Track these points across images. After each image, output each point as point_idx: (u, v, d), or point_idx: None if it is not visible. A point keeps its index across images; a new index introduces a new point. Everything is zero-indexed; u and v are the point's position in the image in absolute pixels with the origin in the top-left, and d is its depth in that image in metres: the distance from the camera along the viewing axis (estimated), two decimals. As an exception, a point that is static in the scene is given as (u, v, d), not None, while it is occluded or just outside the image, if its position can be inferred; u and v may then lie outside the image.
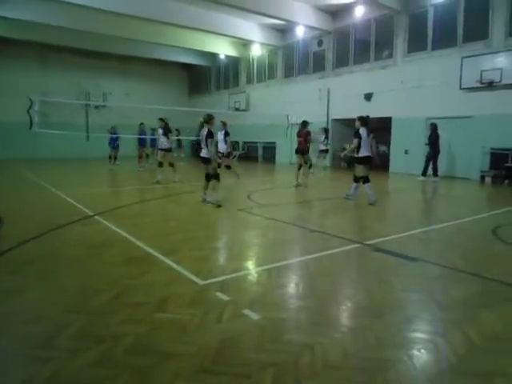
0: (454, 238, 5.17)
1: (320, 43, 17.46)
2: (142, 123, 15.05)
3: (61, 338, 2.41)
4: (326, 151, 14.44)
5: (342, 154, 8.97)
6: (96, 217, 6.06)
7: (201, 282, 3.35)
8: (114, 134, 14.98)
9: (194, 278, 3.45)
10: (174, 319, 2.67)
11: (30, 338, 2.45)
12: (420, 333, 2.59)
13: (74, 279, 3.48)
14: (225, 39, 19.95)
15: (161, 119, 10.70)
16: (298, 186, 10.16)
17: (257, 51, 20.77)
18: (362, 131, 7.49)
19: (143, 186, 10.15)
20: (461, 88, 12.20)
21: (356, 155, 7.64)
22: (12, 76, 20.07)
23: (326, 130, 14.47)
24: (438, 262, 4.05)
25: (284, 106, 17.75)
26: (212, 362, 2.18)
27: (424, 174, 12.02)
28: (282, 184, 10.61)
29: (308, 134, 10.58)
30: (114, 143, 15.08)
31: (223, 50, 21.23)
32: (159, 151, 10.67)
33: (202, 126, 7.26)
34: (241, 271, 3.74)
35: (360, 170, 7.65)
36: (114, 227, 5.37)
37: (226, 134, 10.21)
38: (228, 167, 10.61)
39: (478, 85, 11.71)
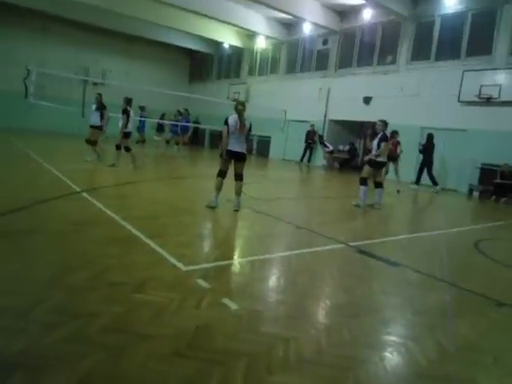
0: (437, 247, 5.24)
1: (325, 42, 17.42)
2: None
3: (35, 312, 2.38)
4: (331, 152, 14.61)
5: (367, 159, 7.67)
6: (83, 193, 6.00)
7: (183, 268, 3.34)
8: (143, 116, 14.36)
9: (176, 262, 3.45)
10: (152, 301, 2.67)
11: (4, 309, 2.42)
12: (394, 336, 2.63)
13: (54, 255, 3.44)
14: (230, 28, 19.79)
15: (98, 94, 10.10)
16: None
17: (261, 43, 20.65)
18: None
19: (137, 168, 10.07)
20: (459, 101, 12.31)
21: (378, 159, 7.45)
22: (13, 44, 19.71)
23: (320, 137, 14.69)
24: (419, 268, 4.11)
25: (283, 102, 17.72)
26: (186, 347, 2.18)
27: (417, 182, 12.13)
28: (274, 178, 10.62)
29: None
30: (142, 126, 14.46)
31: (228, 38, 21.08)
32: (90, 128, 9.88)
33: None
34: (224, 260, 3.75)
35: (370, 173, 7.55)
36: (100, 205, 5.32)
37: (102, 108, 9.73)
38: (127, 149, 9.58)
39: (476, 99, 11.83)
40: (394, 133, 10.43)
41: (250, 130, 6.05)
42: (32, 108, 16.45)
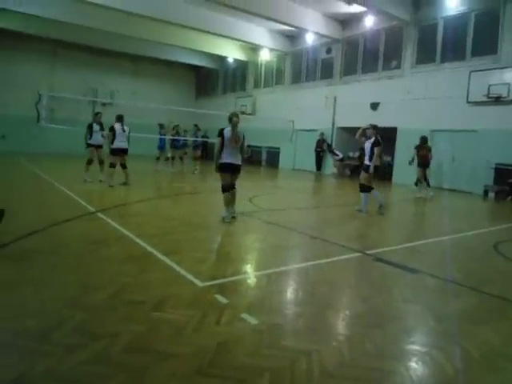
0: (455, 251, 5.15)
1: (329, 51, 17.53)
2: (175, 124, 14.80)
3: (57, 334, 2.40)
4: (342, 160, 14.56)
5: (369, 165, 7.53)
6: (98, 213, 6.07)
7: (200, 284, 3.34)
8: (178, 134, 14.47)
9: (193, 279, 3.45)
10: (172, 319, 2.67)
11: (26, 332, 2.44)
12: (417, 344, 2.58)
13: (73, 275, 3.48)
14: (234, 43, 20.07)
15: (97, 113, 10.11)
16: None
17: (265, 56, 20.87)
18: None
19: (148, 186, 10.17)
20: (467, 101, 12.21)
21: (373, 164, 7.38)
22: (23, 69, 20.27)
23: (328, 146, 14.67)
24: (438, 274, 4.04)
25: (290, 112, 17.81)
26: (208, 365, 2.17)
27: (428, 185, 11.96)
28: (284, 188, 10.60)
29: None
30: (162, 144, 14.57)
31: (232, 53, 21.35)
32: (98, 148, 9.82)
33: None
34: (240, 275, 3.74)
35: (368, 179, 7.48)
36: (115, 224, 5.38)
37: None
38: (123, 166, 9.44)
39: (485, 99, 11.72)
40: (424, 139, 10.60)
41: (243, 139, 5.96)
42: (43, 131, 16.81)
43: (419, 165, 10.65)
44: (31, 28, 17.94)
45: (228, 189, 5.90)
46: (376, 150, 7.32)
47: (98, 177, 9.60)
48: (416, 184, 11.66)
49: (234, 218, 6.06)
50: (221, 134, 5.78)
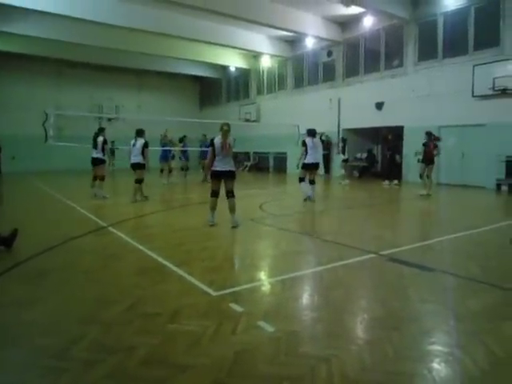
0: (471, 247, 5.06)
1: (330, 53, 17.55)
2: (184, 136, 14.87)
3: (75, 350, 2.40)
4: (346, 161, 14.44)
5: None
6: (109, 228, 6.10)
7: (214, 293, 3.32)
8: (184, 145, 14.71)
9: (206, 288, 3.43)
10: (188, 331, 2.65)
11: (45, 349, 2.44)
12: (439, 345, 2.51)
13: (88, 290, 3.49)
14: (235, 51, 20.23)
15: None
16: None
17: (266, 62, 20.97)
18: (308, 140, 8.70)
19: (154, 198, 10.22)
20: (473, 96, 12.09)
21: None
22: (29, 90, 20.65)
23: (343, 140, 14.53)
24: (455, 272, 3.96)
25: (295, 117, 17.78)
26: (227, 375, 2.14)
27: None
28: (293, 193, 10.56)
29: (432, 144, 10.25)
30: (185, 155, 14.80)
31: (233, 62, 21.51)
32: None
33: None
34: (254, 282, 3.71)
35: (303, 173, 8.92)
36: (127, 238, 5.40)
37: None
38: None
39: (491, 92, 11.59)
40: (429, 134, 10.37)
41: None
42: (51, 149, 17.01)
43: (423, 161, 10.40)
44: (35, 49, 18.29)
45: (215, 194, 6.13)
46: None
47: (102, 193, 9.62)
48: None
49: (234, 227, 6.05)
50: (211, 143, 6.02)
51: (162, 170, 14.14)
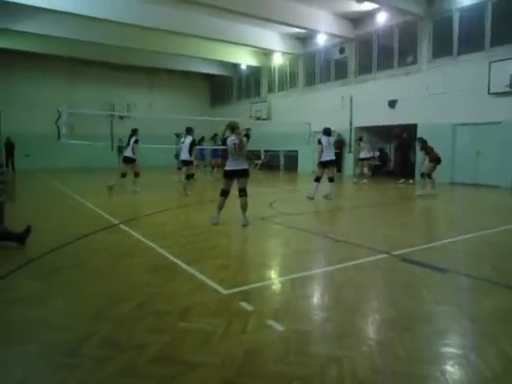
0: (485, 248, 4.97)
1: (342, 50, 17.39)
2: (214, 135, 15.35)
3: (87, 346, 2.43)
4: (367, 159, 14.18)
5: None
6: (120, 225, 6.15)
7: (224, 292, 3.32)
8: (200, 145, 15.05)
9: (217, 286, 3.44)
10: (198, 328, 2.66)
11: (57, 345, 2.47)
12: (452, 347, 2.47)
13: (99, 288, 3.52)
14: (246, 49, 20.19)
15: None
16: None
17: (278, 60, 20.88)
18: (324, 139, 8.96)
19: (165, 196, 10.28)
20: (489, 93, 11.87)
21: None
22: (42, 89, 20.96)
23: (360, 138, 14.36)
24: (469, 272, 3.89)
25: (306, 115, 17.71)
26: (237, 374, 2.14)
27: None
28: (303, 191, 10.51)
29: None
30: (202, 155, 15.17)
31: (245, 59, 21.48)
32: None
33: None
34: (264, 281, 3.70)
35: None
36: (138, 235, 5.44)
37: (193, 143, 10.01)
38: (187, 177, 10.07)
39: (508, 89, 11.36)
40: (421, 139, 10.70)
41: (247, 136, 6.20)
42: (63, 147, 17.26)
43: (431, 161, 10.34)
44: (47, 48, 18.54)
45: (225, 194, 6.14)
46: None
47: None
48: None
49: (244, 226, 6.05)
50: (224, 143, 6.14)
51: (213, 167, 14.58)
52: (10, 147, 18.62)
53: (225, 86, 25.76)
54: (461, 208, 9.01)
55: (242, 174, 6.10)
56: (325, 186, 9.14)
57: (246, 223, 6.08)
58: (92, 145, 15.44)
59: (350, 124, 16.87)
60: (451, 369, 2.22)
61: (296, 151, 19.69)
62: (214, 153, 14.99)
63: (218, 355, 2.32)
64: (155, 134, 18.68)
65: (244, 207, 6.11)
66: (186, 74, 24.57)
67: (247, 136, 6.23)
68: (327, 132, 9.18)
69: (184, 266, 4.08)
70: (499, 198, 10.13)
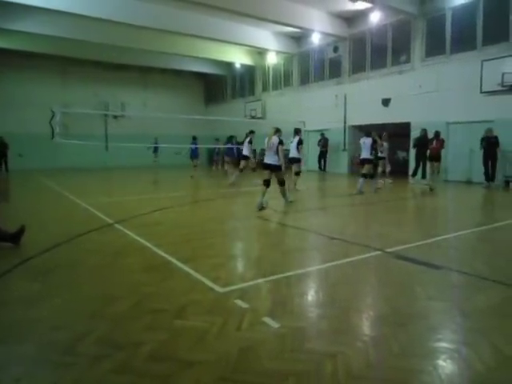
0: (478, 245, 5.03)
1: (336, 49, 17.43)
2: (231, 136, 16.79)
3: (82, 345, 2.43)
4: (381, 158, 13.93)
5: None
6: (115, 225, 6.14)
7: (220, 290, 3.34)
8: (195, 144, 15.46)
9: (212, 285, 3.45)
10: (194, 326, 2.67)
11: (53, 344, 2.48)
12: (445, 342, 2.51)
13: (95, 287, 3.52)
14: (240, 48, 20.16)
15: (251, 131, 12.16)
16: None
17: (272, 59, 20.88)
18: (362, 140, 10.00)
19: (161, 195, 10.26)
20: (481, 92, 11.96)
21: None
22: (35, 89, 20.77)
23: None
24: (462, 269, 3.94)
25: (300, 113, 17.74)
26: (232, 371, 2.16)
27: (414, 174, 12.83)
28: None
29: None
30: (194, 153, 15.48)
31: (239, 58, 21.45)
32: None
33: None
34: (259, 278, 3.71)
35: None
36: (133, 235, 5.43)
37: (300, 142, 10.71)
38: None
39: (500, 88, 11.46)
40: (436, 133, 11.19)
41: (281, 143, 7.36)
42: (57, 147, 17.16)
43: (430, 159, 11.19)
44: (39, 47, 18.35)
45: (265, 183, 7.41)
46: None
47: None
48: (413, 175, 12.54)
49: (263, 208, 7.19)
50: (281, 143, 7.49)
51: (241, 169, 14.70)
52: (3, 147, 18.42)
53: (219, 85, 25.72)
54: (454, 205, 9.09)
55: (273, 168, 7.45)
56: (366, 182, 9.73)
57: (288, 202, 7.86)
58: (86, 144, 15.36)
59: (344, 122, 16.93)
60: (444, 363, 2.25)
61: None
62: (230, 152, 15.73)
63: (214, 353, 2.34)
64: (149, 132, 18.62)
65: (282, 194, 7.85)
66: (179, 73, 24.50)
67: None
68: (367, 134, 10.25)
69: (179, 264, 4.08)
70: (492, 196, 10.22)
